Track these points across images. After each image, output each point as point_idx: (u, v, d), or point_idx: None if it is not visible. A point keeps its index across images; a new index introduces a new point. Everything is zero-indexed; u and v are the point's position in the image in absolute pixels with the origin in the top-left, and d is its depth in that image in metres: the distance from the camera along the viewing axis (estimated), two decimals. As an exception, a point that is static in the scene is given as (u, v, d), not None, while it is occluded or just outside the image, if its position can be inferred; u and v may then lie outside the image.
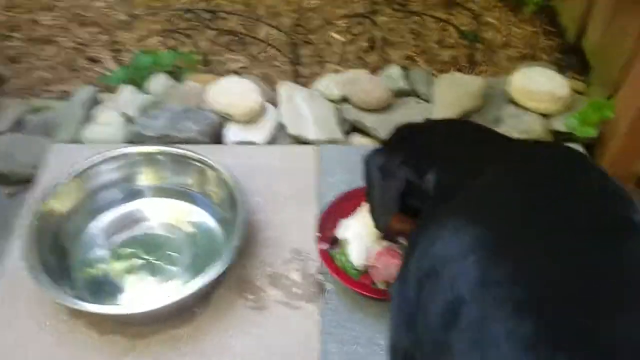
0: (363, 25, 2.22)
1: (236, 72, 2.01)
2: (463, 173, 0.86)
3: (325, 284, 1.28)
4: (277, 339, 1.19)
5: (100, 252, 1.31)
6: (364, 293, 1.20)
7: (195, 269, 1.27)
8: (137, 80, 1.81)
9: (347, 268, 1.24)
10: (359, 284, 1.21)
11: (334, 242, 1.30)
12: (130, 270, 1.28)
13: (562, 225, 0.69)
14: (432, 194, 0.94)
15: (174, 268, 1.28)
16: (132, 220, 1.37)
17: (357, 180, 1.47)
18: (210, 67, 2.00)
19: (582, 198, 0.73)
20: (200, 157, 1.36)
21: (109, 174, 1.37)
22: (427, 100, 1.71)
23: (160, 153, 1.38)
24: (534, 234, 0.69)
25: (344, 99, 1.72)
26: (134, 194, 1.39)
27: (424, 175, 0.98)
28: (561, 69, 1.91)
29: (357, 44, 2.17)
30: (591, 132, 1.58)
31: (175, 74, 1.88)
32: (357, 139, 1.66)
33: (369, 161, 1.14)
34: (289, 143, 1.62)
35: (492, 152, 0.89)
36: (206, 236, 1.34)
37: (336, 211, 1.33)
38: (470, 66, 2.03)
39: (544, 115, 1.65)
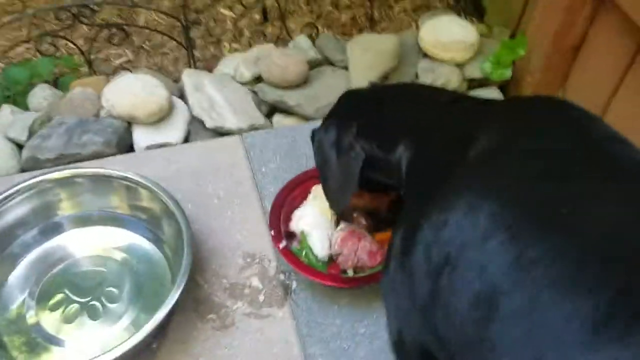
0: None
1: (124, 68, 1.80)
2: (447, 144, 0.79)
3: (290, 283, 1.18)
4: (254, 356, 1.09)
5: (27, 306, 1.11)
6: (337, 285, 1.12)
7: (141, 300, 1.12)
8: (15, 97, 1.56)
9: (312, 262, 1.15)
10: (329, 276, 1.13)
11: (289, 236, 1.20)
12: (66, 319, 1.10)
13: (584, 185, 0.64)
14: (406, 170, 0.86)
15: (114, 305, 1.12)
16: (54, 259, 1.18)
17: (294, 165, 1.39)
18: (94, 67, 1.77)
19: (590, 151, 0.69)
20: (122, 173, 1.19)
21: (18, 209, 1.17)
22: (344, 67, 1.63)
23: (76, 176, 1.18)
24: (556, 200, 0.63)
25: (257, 79, 1.59)
26: (52, 228, 1.20)
27: (390, 150, 0.90)
28: (458, 14, 1.91)
29: (249, 17, 2.02)
30: (507, 74, 1.58)
31: (58, 83, 1.64)
32: (281, 120, 1.55)
33: (319, 138, 1.03)
34: (209, 137, 1.48)
35: (471, 116, 0.82)
36: (143, 261, 1.18)
37: (284, 203, 1.23)
38: (371, 25, 1.96)
39: (457, 65, 1.63)
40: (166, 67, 1.86)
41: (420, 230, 0.71)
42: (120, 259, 1.18)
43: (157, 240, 1.19)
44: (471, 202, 0.66)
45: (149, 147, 1.43)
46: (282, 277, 1.20)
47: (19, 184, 1.15)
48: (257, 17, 2.02)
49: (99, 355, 0.94)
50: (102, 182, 1.18)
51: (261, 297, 1.17)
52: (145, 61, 1.87)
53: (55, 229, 1.20)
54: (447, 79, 1.59)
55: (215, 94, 1.52)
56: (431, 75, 1.60)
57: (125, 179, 1.17)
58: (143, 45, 1.92)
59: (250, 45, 1.85)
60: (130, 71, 1.71)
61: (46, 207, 1.18)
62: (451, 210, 0.68)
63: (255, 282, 1.19)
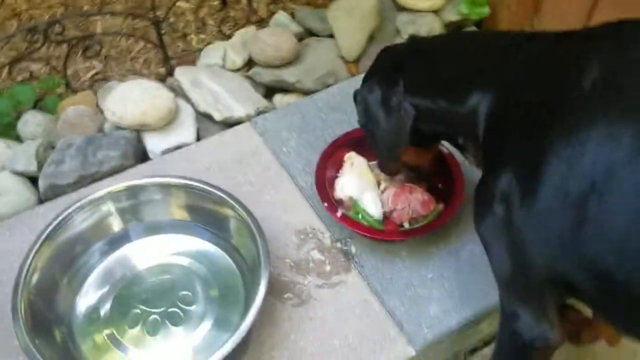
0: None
1: (97, 80, 1.75)
2: (546, 81, 0.80)
3: (349, 249, 1.23)
4: (339, 321, 1.14)
5: (103, 328, 1.10)
6: (402, 238, 1.19)
7: (216, 299, 1.14)
8: (1, 130, 1.49)
9: (371, 223, 1.20)
10: (393, 233, 1.19)
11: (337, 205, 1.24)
12: (150, 332, 1.10)
13: None
14: (488, 117, 0.88)
15: (193, 307, 1.13)
16: (119, 274, 1.18)
17: (311, 139, 1.42)
18: (73, 83, 1.71)
19: None
20: (179, 180, 1.19)
21: (79, 227, 1.15)
22: (328, 36, 1.66)
23: (130, 188, 1.17)
24: None
25: (248, 64, 1.60)
26: (113, 242, 1.19)
27: (458, 101, 0.92)
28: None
29: (208, 4, 2.00)
30: (485, 11, 1.66)
31: (42, 106, 1.58)
32: (283, 99, 1.57)
33: (364, 98, 1.04)
34: (220, 130, 1.48)
35: (562, 49, 0.82)
36: (207, 262, 1.18)
37: (324, 176, 1.26)
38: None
39: (434, 12, 1.69)
40: (140, 71, 1.82)
41: (546, 166, 0.75)
42: (185, 263, 1.19)
43: (218, 240, 1.20)
44: (609, 128, 0.69)
45: (164, 152, 1.41)
46: (339, 245, 1.24)
47: (78, 201, 1.14)
48: (215, 3, 2.00)
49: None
50: (155, 191, 1.17)
51: (327, 268, 1.21)
52: (117, 69, 1.82)
53: (116, 242, 1.19)
54: (429, 27, 1.64)
55: (215, 86, 1.52)
56: (412, 27, 1.65)
57: (185, 184, 1.17)
58: (109, 54, 1.86)
59: (221, 32, 1.83)
60: (107, 81, 1.67)
61: (103, 221, 1.17)
62: (587, 140, 0.71)
63: (317, 255, 1.23)
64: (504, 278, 0.87)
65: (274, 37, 1.53)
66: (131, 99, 1.40)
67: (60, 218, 1.09)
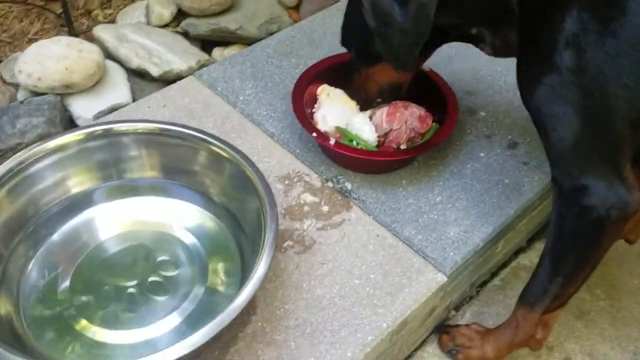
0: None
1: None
2: None
3: (343, 186, 1.07)
4: (355, 261, 0.97)
5: (63, 311, 0.85)
6: (408, 156, 1.06)
7: (204, 259, 0.93)
8: None
9: (369, 148, 1.05)
10: (397, 152, 1.06)
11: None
12: (129, 308, 0.86)
13: None
14: None
15: (177, 272, 0.91)
16: (81, 243, 0.92)
17: (269, 84, 1.27)
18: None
19: None
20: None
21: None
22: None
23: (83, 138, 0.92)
24: None
25: (176, 18, 1.40)
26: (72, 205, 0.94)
27: None
28: None
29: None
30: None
31: None
32: (223, 53, 1.39)
33: None
34: (158, 88, 1.26)
35: None
36: (184, 222, 0.97)
37: (303, 108, 1.10)
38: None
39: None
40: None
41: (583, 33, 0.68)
42: (159, 228, 0.96)
43: (197, 197, 0.99)
44: None
45: (97, 117, 1.18)
46: (331, 184, 1.08)
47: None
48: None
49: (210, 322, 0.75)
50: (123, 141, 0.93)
51: (325, 208, 1.05)
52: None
53: (75, 206, 0.93)
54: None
55: (145, 41, 1.30)
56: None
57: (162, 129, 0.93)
58: (1, 38, 1.58)
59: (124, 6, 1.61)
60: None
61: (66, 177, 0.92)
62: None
63: (309, 197, 1.06)
64: (569, 146, 0.77)
65: (207, -19, 1.35)
66: (50, 57, 1.15)
67: (8, 168, 0.83)
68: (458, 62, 1.32)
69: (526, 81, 0.81)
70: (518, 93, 0.87)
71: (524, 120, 1.20)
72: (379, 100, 1.11)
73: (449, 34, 0.95)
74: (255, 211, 0.87)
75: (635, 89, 0.70)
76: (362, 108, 1.11)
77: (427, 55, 1.03)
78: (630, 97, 0.71)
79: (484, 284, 1.17)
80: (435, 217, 1.04)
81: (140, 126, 0.92)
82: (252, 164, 0.89)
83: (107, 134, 0.92)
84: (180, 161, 0.94)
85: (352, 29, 1.01)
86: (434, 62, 1.13)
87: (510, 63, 1.31)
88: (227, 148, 0.91)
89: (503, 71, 1.30)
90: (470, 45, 1.30)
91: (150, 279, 0.90)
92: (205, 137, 0.92)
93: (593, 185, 0.75)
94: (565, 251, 0.83)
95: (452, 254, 0.98)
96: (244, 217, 0.92)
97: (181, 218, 0.96)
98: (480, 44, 0.94)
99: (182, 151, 0.93)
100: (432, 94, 1.13)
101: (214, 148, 0.91)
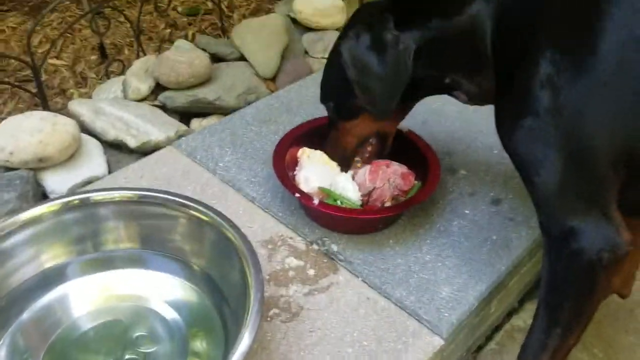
0: (73, 37, 1.85)
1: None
2: None
3: (329, 248, 1.04)
4: (346, 327, 0.92)
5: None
6: (396, 213, 1.04)
7: (184, 333, 0.87)
8: None
9: (355, 207, 1.03)
10: (381, 210, 1.03)
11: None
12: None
13: None
14: (495, 18, 0.79)
15: (155, 348, 0.85)
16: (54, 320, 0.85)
17: (249, 151, 1.25)
18: None
19: None
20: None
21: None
22: (237, 59, 1.52)
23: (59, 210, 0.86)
24: None
25: (154, 92, 1.40)
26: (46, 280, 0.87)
27: (457, 13, 0.83)
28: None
29: (85, 59, 1.78)
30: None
31: None
32: (202, 123, 1.38)
33: (349, 48, 0.90)
34: (135, 160, 1.23)
35: None
36: (163, 295, 0.91)
37: (284, 170, 1.08)
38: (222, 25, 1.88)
39: (338, 30, 1.66)
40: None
41: (601, 33, 0.68)
42: (136, 302, 0.90)
43: (177, 267, 0.93)
44: None
45: (71, 190, 1.14)
46: (316, 247, 1.05)
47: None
48: (93, 57, 1.79)
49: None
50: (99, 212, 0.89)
51: (311, 272, 1.00)
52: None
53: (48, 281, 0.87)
54: (338, 43, 1.60)
55: (122, 113, 1.29)
56: (321, 44, 1.60)
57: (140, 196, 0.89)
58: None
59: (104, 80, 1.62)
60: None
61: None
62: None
63: (294, 261, 1.02)
64: (553, 189, 0.76)
65: (186, 54, 1.36)
66: (24, 130, 1.12)
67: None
68: (433, 124, 1.33)
69: (505, 126, 0.80)
70: (496, 151, 0.87)
71: (504, 177, 1.21)
72: (358, 159, 1.10)
73: (425, 86, 0.95)
74: (238, 278, 0.82)
75: (613, 127, 0.70)
76: (342, 168, 1.10)
77: (406, 109, 1.03)
78: (609, 135, 0.70)
79: (479, 348, 1.12)
80: (426, 276, 1.00)
81: (117, 194, 0.88)
82: (234, 227, 0.86)
83: (83, 204, 0.88)
84: (158, 230, 0.90)
85: (331, 83, 1.01)
86: (409, 126, 1.14)
87: (485, 122, 1.34)
88: (208, 212, 0.87)
89: (479, 132, 1.32)
90: (444, 107, 1.33)
91: (127, 356, 0.83)
92: (185, 201, 0.88)
93: (580, 228, 0.74)
94: (559, 299, 0.80)
95: (447, 314, 0.94)
96: (226, 284, 0.87)
97: (159, 290, 0.90)
98: (454, 92, 0.95)
99: (161, 219, 0.89)
100: (412, 153, 1.12)
101: (194, 213, 0.87)
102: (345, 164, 1.09)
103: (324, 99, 1.04)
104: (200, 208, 0.87)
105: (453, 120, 1.36)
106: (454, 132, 1.32)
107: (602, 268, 0.74)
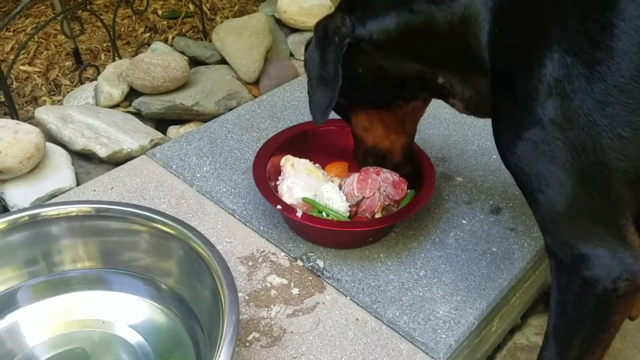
0: (47, 43, 1.77)
1: None
2: None
3: (315, 264, 0.96)
4: (334, 352, 0.83)
5: None
6: (382, 226, 0.95)
7: (155, 352, 0.78)
8: None
9: (341, 219, 0.94)
10: (370, 222, 0.95)
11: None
12: None
13: None
14: (492, 13, 0.71)
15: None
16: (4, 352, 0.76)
17: (229, 159, 1.18)
18: None
19: None
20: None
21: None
22: (217, 62, 1.45)
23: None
24: None
25: (127, 98, 1.31)
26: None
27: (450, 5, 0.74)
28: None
29: (58, 66, 1.70)
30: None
31: None
32: (179, 131, 1.30)
33: (308, 52, 0.86)
34: (105, 171, 1.15)
35: None
36: (130, 319, 0.83)
37: (265, 180, 1.00)
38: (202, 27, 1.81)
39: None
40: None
41: (620, 33, 0.61)
42: (99, 328, 0.81)
43: (145, 288, 0.85)
44: None
45: (34, 204, 1.05)
46: (301, 263, 0.96)
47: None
48: (69, 63, 1.71)
49: None
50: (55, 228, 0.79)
51: (295, 291, 0.92)
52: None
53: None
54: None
55: (93, 120, 1.20)
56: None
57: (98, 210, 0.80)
58: None
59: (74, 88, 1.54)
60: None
61: None
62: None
63: (276, 279, 0.93)
64: (560, 210, 0.67)
65: (162, 57, 1.28)
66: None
67: None
68: (427, 129, 1.26)
69: (504, 137, 0.72)
70: (494, 156, 0.79)
71: (504, 183, 1.13)
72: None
73: (409, 83, 0.86)
74: (211, 297, 0.74)
75: (632, 140, 0.62)
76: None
77: (394, 110, 0.95)
78: (627, 149, 0.62)
79: (481, 368, 1.04)
80: (421, 294, 0.92)
81: (73, 209, 0.80)
82: (206, 241, 0.77)
83: (33, 220, 0.79)
84: (121, 246, 0.82)
85: None
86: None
87: (483, 125, 1.26)
88: (174, 224, 0.79)
89: (474, 135, 1.24)
90: (438, 112, 1.25)
91: (87, 390, 0.74)
92: (148, 214, 0.79)
93: (594, 254, 0.66)
94: (570, 333, 0.71)
95: (444, 336, 0.86)
96: (198, 305, 0.78)
97: (124, 313, 0.82)
98: (450, 99, 0.86)
99: (123, 234, 0.80)
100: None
101: (159, 226, 0.79)
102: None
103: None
104: (166, 221, 0.78)
105: (448, 122, 1.28)
106: (449, 136, 1.25)
107: (619, 298, 0.66)
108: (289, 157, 1.06)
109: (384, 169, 0.98)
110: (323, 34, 0.83)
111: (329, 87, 0.84)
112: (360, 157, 1.00)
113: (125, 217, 0.79)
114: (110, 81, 1.31)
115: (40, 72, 1.70)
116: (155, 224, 0.79)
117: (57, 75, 1.68)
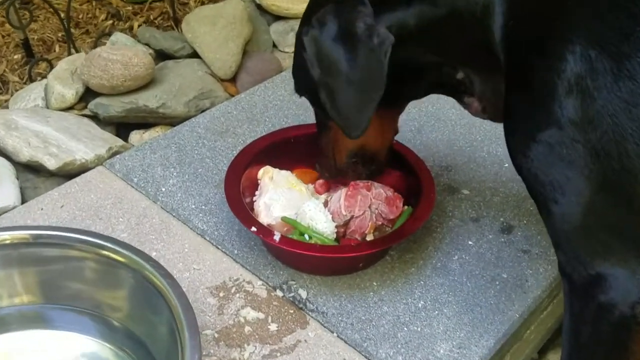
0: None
1: None
2: None
3: (297, 294, 0.94)
4: (315, 399, 0.82)
5: None
6: (373, 250, 0.94)
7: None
8: None
9: (327, 243, 0.93)
10: (360, 246, 0.94)
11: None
12: None
13: None
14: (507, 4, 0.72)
15: None
16: None
17: (199, 169, 1.18)
18: None
19: None
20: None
21: None
22: (188, 56, 1.44)
23: None
24: None
25: (83, 98, 1.30)
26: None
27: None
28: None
29: (6, 59, 1.69)
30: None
31: None
32: (142, 137, 1.28)
33: (313, 39, 0.80)
34: (55, 185, 1.14)
35: None
36: None
37: (239, 196, 0.98)
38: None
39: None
40: None
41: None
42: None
43: (93, 326, 0.83)
44: None
45: (-28, 225, 1.03)
46: (280, 293, 0.95)
47: None
48: (18, 56, 1.70)
49: None
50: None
51: (273, 327, 0.90)
52: None
53: None
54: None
55: (41, 127, 1.19)
56: (293, 36, 1.51)
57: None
58: None
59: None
60: None
61: None
62: None
63: (252, 313, 0.92)
64: (576, 223, 0.67)
65: (122, 51, 1.27)
66: None
67: None
68: (429, 132, 1.25)
69: (517, 139, 0.72)
70: (506, 165, 0.79)
71: (517, 197, 1.12)
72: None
73: (425, 77, 0.87)
74: (169, 336, 0.73)
75: None
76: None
77: (400, 107, 0.95)
78: None
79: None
80: (419, 329, 0.91)
81: (7, 236, 0.78)
82: (161, 269, 0.76)
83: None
84: (63, 277, 0.80)
85: (302, 76, 0.91)
86: (399, 134, 1.04)
87: (493, 129, 1.25)
88: (123, 250, 0.77)
89: (484, 140, 1.24)
90: (442, 112, 1.23)
91: None
92: (91, 239, 0.78)
93: (611, 275, 0.66)
94: None
95: (445, 378, 0.85)
96: (156, 345, 0.77)
97: (71, 356, 0.80)
98: (466, 98, 0.86)
99: (64, 263, 0.79)
100: (399, 169, 1.03)
101: (105, 252, 0.77)
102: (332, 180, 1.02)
103: (298, 90, 0.94)
104: (112, 246, 0.78)
105: (454, 125, 1.27)
106: (455, 141, 1.24)
107: (638, 326, 0.66)
108: (268, 168, 1.04)
109: (376, 184, 0.97)
110: (346, 29, 0.79)
111: (370, 94, 0.81)
112: (334, 167, 0.98)
113: (64, 244, 0.78)
114: (63, 80, 1.30)
115: (-8, 66, 1.68)
116: (100, 250, 0.78)
117: (5, 71, 1.67)
